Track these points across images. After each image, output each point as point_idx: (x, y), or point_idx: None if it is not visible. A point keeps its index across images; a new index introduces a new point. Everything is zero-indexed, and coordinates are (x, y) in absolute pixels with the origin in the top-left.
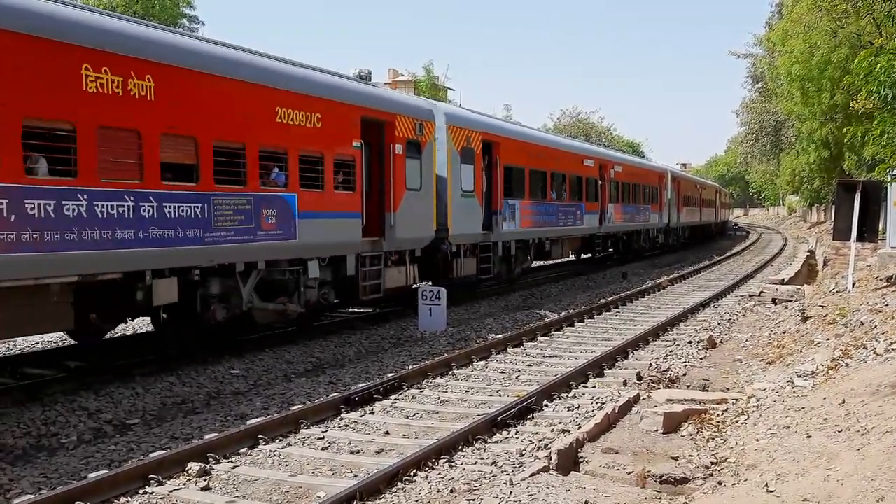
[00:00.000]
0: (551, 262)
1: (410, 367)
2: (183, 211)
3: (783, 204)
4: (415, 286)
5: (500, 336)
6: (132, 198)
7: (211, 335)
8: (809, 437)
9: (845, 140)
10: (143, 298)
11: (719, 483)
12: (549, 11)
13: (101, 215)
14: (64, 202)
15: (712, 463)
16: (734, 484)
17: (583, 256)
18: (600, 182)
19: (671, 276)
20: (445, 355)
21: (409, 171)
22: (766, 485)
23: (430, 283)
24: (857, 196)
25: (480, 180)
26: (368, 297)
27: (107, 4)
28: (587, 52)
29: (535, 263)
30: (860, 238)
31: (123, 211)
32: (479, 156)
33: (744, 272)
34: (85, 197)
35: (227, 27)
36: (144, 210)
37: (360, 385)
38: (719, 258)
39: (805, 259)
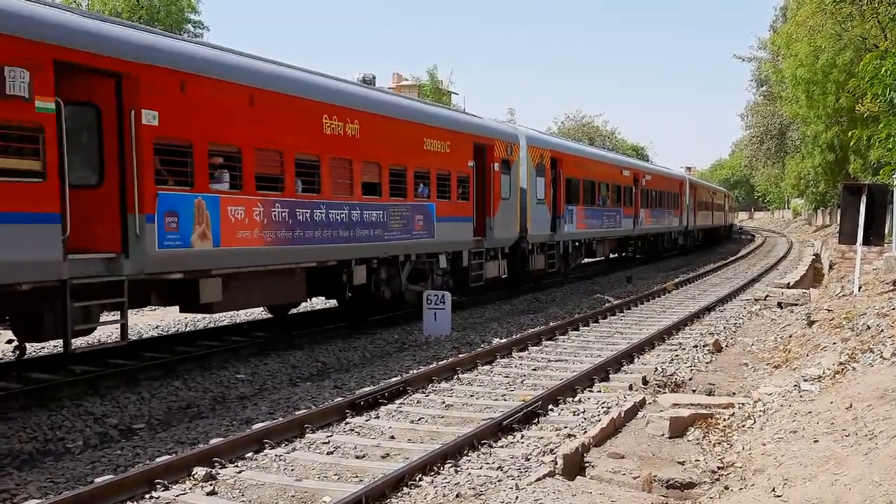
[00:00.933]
0: (592, 259)
1: (415, 371)
2: (372, 217)
3: (788, 207)
4: (503, 276)
5: (505, 340)
6: (347, 208)
7: (379, 309)
8: (817, 441)
9: (851, 143)
10: (347, 280)
11: (726, 488)
12: (553, 15)
13: (331, 220)
14: (315, 210)
15: (719, 468)
16: (741, 489)
17: (609, 256)
18: (634, 190)
19: (676, 280)
20: (450, 360)
21: (502, 184)
22: (774, 489)
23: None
24: (863, 199)
25: (549, 190)
26: (474, 284)
27: (112, 10)
28: (591, 56)
29: (584, 260)
30: (866, 241)
31: (342, 217)
32: (548, 170)
33: (749, 276)
34: (324, 207)
35: (230, 32)
36: (353, 216)
37: (366, 389)
38: (724, 262)
39: (811, 263)
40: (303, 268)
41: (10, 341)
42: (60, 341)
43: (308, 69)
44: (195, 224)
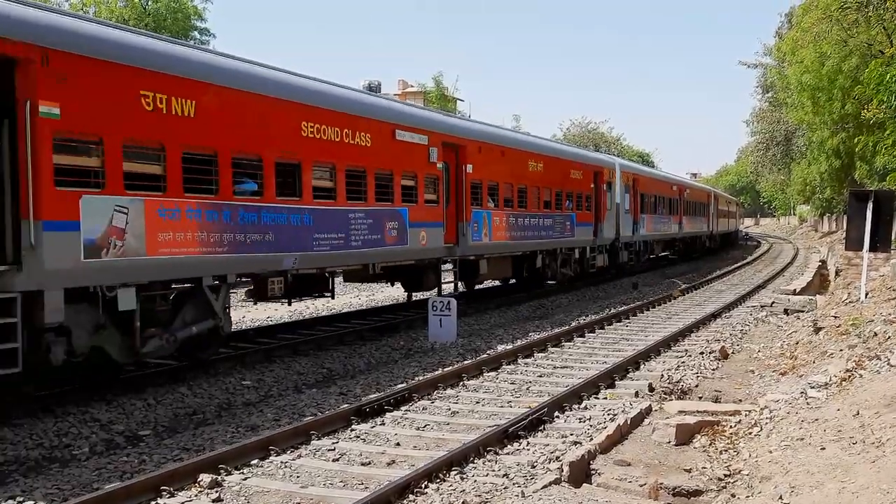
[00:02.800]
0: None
1: (421, 378)
2: (546, 223)
3: (794, 213)
4: (605, 265)
5: (510, 347)
6: (536, 218)
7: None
8: (823, 449)
9: (856, 149)
10: (539, 264)
11: (733, 495)
12: (558, 22)
13: (528, 225)
14: (523, 219)
15: (725, 475)
16: (748, 496)
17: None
18: (679, 201)
19: (682, 287)
20: (456, 366)
21: (608, 199)
22: (781, 497)
23: (452, 289)
24: (870, 206)
25: (632, 203)
26: (590, 271)
27: (118, 18)
28: (596, 62)
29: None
30: (873, 248)
31: (532, 224)
32: (632, 187)
33: (755, 282)
34: (527, 218)
35: (235, 38)
36: (536, 223)
37: (371, 396)
38: (730, 268)
39: (817, 269)
40: (514, 255)
41: None
42: None
43: (510, 129)
44: (483, 227)
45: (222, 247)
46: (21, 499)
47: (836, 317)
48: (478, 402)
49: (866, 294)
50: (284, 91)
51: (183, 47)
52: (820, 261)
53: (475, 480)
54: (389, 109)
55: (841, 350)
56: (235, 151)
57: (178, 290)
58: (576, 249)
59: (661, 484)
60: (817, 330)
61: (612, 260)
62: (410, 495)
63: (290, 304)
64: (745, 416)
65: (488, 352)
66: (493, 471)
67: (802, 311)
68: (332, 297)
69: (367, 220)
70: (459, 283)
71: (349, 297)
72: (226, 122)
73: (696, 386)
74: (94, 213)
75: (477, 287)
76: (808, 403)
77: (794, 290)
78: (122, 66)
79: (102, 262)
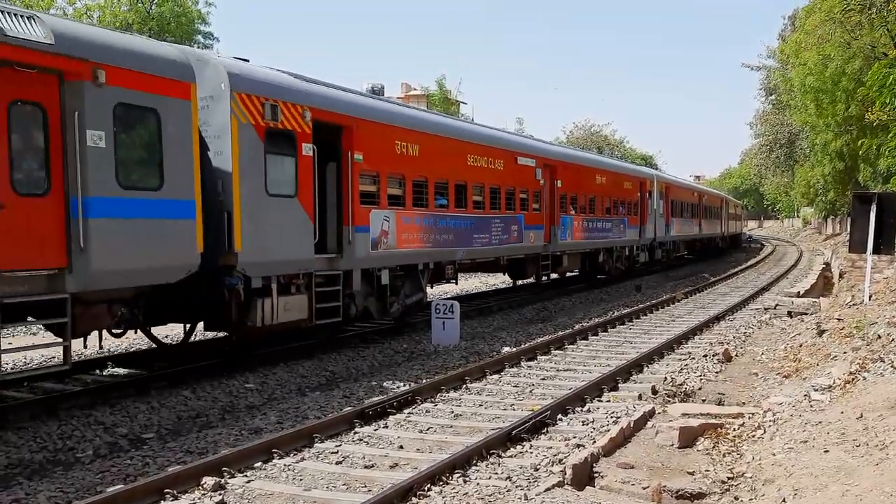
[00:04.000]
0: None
1: (424, 380)
2: (608, 226)
3: (798, 216)
4: (646, 261)
5: (513, 349)
6: (601, 221)
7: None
8: (827, 451)
9: (860, 152)
10: (601, 259)
11: (736, 498)
12: (561, 24)
13: (596, 227)
14: (593, 223)
15: (729, 478)
16: (751, 499)
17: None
18: (698, 206)
19: (685, 289)
20: (459, 369)
21: (649, 205)
22: (784, 500)
23: (443, 296)
24: (873, 208)
25: (665, 208)
26: (635, 266)
27: (122, 22)
28: (599, 64)
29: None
30: (876, 250)
31: (599, 226)
32: (664, 195)
33: (759, 285)
34: (595, 221)
35: (238, 41)
36: (601, 226)
37: (374, 399)
38: (734, 271)
39: (820, 271)
40: (584, 252)
41: None
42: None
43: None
44: (567, 229)
45: (429, 243)
46: (25, 501)
47: (839, 319)
48: (481, 405)
49: (870, 296)
50: (458, 134)
51: (412, 110)
52: (824, 263)
53: (478, 483)
54: (513, 141)
55: (844, 353)
56: (435, 177)
57: (405, 271)
58: (626, 248)
59: (665, 487)
60: (821, 332)
61: (650, 257)
62: (413, 498)
63: (456, 283)
64: (749, 418)
65: (491, 354)
66: (496, 473)
67: (806, 314)
68: (456, 283)
69: (500, 224)
70: (552, 274)
71: (468, 283)
72: (431, 158)
73: (700, 389)
74: (376, 222)
75: (556, 277)
76: (811, 406)
77: (798, 292)
78: (389, 127)
79: (378, 253)
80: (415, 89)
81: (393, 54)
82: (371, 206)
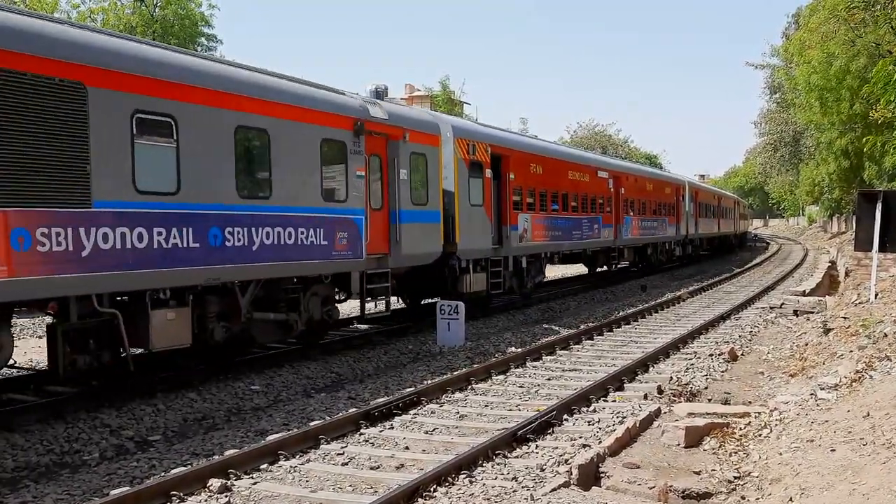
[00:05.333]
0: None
1: (429, 381)
2: (654, 225)
3: (803, 215)
4: (674, 258)
5: (518, 350)
6: (651, 221)
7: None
8: (834, 450)
9: (865, 150)
10: (649, 252)
11: (742, 498)
12: (565, 24)
13: (646, 227)
14: (644, 223)
15: (735, 477)
16: (758, 499)
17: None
18: (718, 206)
19: (691, 289)
20: (464, 370)
21: (683, 206)
22: (791, 499)
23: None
24: (879, 206)
25: (694, 209)
26: (673, 258)
27: (126, 24)
28: (603, 63)
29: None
30: (882, 248)
31: (649, 226)
32: (694, 198)
33: (764, 284)
34: (648, 221)
35: (240, 43)
36: (650, 225)
37: (380, 400)
38: (739, 270)
39: (826, 270)
40: (636, 247)
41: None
42: None
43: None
44: (628, 228)
45: (548, 238)
46: None
47: (845, 318)
48: (486, 406)
49: (876, 295)
50: (562, 156)
51: (537, 140)
52: (829, 262)
53: (484, 484)
54: (593, 159)
55: (851, 351)
56: (551, 189)
57: (533, 258)
58: (666, 243)
59: (671, 486)
60: (827, 331)
61: (683, 251)
62: (420, 499)
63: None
64: (755, 417)
65: (496, 355)
66: (502, 474)
67: (812, 313)
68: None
69: (587, 224)
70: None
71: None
72: (549, 174)
73: (706, 388)
74: (521, 222)
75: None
76: (817, 405)
77: (804, 291)
78: (526, 153)
79: (521, 245)
80: (418, 90)
81: (397, 55)
82: (518, 211)
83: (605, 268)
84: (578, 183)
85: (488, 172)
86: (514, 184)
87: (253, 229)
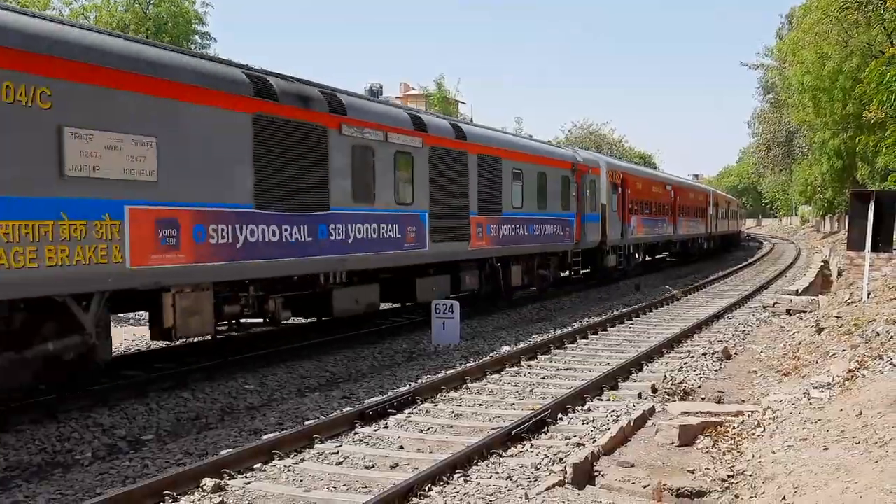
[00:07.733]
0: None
1: (424, 380)
2: (692, 223)
3: (796, 214)
4: (703, 250)
5: (513, 349)
6: (691, 221)
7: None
8: (827, 449)
9: (858, 150)
10: (689, 245)
11: (736, 496)
12: (560, 23)
13: (684, 227)
14: (683, 222)
15: (729, 476)
16: (751, 497)
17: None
18: (727, 209)
19: (684, 288)
20: (459, 369)
21: (708, 209)
22: (784, 498)
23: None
24: (871, 206)
25: (713, 212)
26: (702, 251)
27: (119, 22)
28: (597, 64)
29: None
30: (875, 248)
31: (691, 224)
32: (715, 202)
33: (757, 283)
34: (680, 221)
35: (236, 42)
36: (693, 222)
37: (374, 399)
38: (732, 269)
39: (819, 269)
40: (681, 241)
41: None
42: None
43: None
44: (680, 227)
45: (643, 234)
46: None
47: (838, 317)
48: (481, 405)
49: (868, 294)
50: (648, 175)
51: (637, 166)
52: (822, 261)
53: (479, 483)
54: (662, 176)
55: (843, 350)
56: (644, 198)
57: (634, 248)
58: (698, 238)
59: (665, 485)
60: (820, 330)
61: (707, 245)
62: (414, 498)
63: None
64: (749, 416)
65: (491, 354)
66: (497, 473)
67: (805, 312)
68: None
69: (660, 222)
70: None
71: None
72: (644, 188)
73: (699, 387)
74: (633, 222)
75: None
76: (810, 404)
77: (797, 290)
78: (633, 175)
79: (631, 237)
80: (413, 89)
81: (391, 53)
82: (632, 214)
83: (667, 254)
84: (657, 194)
85: (618, 188)
86: (630, 196)
87: (535, 225)
